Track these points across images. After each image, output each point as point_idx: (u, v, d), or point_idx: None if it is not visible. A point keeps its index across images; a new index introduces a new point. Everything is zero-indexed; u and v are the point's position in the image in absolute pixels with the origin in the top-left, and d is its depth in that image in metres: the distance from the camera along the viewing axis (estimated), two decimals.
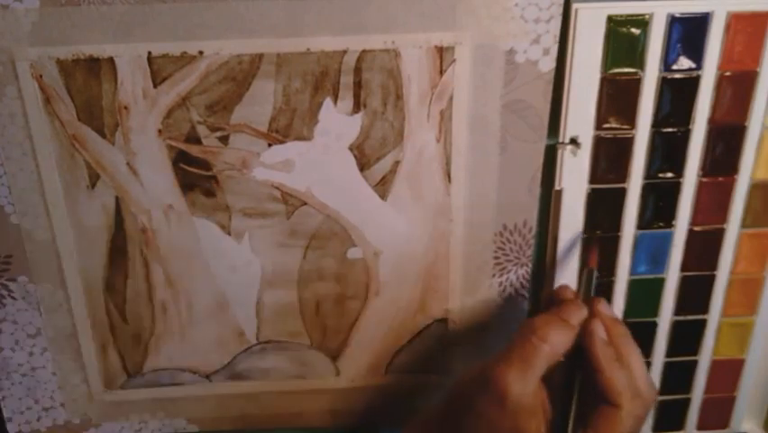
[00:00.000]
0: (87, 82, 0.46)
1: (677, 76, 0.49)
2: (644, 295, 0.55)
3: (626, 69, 0.48)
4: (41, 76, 0.46)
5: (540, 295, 0.55)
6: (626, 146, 0.50)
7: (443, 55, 0.47)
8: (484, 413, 0.42)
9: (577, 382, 0.44)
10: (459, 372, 0.57)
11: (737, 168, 0.51)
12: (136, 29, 0.45)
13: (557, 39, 0.47)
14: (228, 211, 0.51)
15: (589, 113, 0.49)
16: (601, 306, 0.46)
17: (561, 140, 0.50)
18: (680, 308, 0.55)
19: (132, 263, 0.52)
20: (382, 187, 0.51)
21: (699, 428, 0.59)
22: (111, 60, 0.46)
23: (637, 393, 0.43)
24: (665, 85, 0.49)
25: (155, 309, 0.54)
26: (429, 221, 0.52)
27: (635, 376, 0.43)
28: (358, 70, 0.47)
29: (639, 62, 0.48)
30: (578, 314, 0.45)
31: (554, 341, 0.43)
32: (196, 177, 0.50)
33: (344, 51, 0.47)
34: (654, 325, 0.56)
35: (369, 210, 0.51)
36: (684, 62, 0.48)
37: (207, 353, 0.55)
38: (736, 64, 0.48)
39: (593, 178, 0.51)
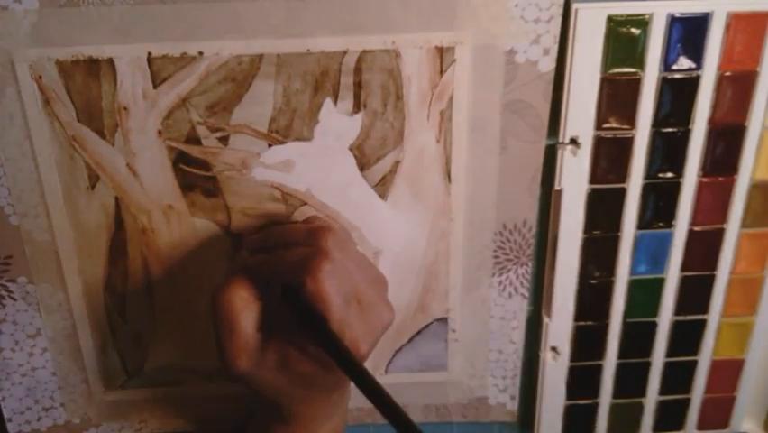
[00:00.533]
0: (87, 83, 0.46)
1: (677, 76, 0.48)
2: (644, 295, 0.55)
3: (626, 69, 0.48)
4: (40, 77, 0.46)
5: (541, 294, 0.56)
6: (626, 146, 0.50)
7: (443, 55, 0.47)
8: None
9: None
10: (458, 370, 0.57)
11: (737, 168, 0.51)
12: (136, 30, 0.45)
13: (557, 39, 0.47)
14: (228, 211, 0.51)
15: (589, 113, 0.49)
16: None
17: (561, 140, 0.50)
18: (680, 308, 0.55)
19: (132, 264, 0.52)
20: (382, 187, 0.51)
21: (699, 428, 0.60)
22: (110, 61, 0.46)
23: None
24: (665, 85, 0.49)
25: (155, 310, 0.54)
26: (429, 221, 0.52)
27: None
28: (358, 71, 0.47)
29: (639, 62, 0.48)
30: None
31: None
32: (196, 177, 0.50)
33: (344, 52, 0.47)
34: (654, 325, 0.56)
35: (369, 210, 0.51)
36: (684, 62, 0.48)
37: (207, 353, 0.55)
38: (735, 64, 0.48)
39: (593, 178, 0.51)
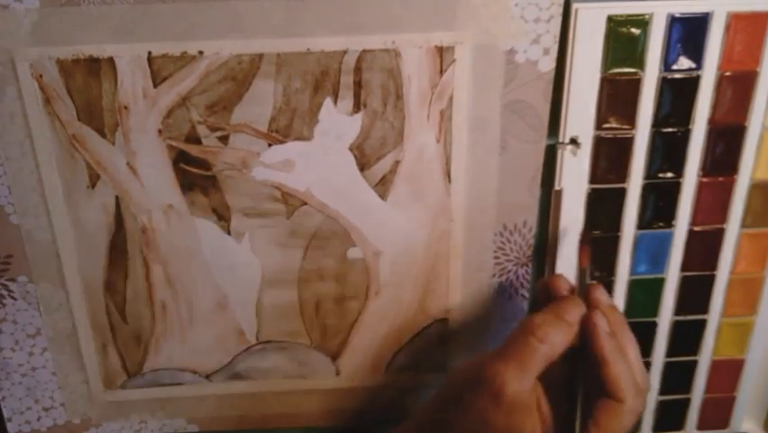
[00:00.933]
0: (87, 82, 0.46)
1: (677, 76, 0.49)
2: (644, 295, 0.55)
3: (626, 69, 0.48)
4: (41, 76, 0.46)
5: (535, 287, 0.56)
6: (626, 146, 0.50)
7: (443, 55, 0.47)
8: (479, 411, 0.41)
9: (581, 377, 0.43)
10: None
11: (737, 168, 0.51)
12: (136, 29, 0.45)
13: (557, 39, 0.47)
14: (228, 211, 0.51)
15: (589, 113, 0.49)
16: (599, 293, 0.45)
17: (561, 140, 0.50)
18: (680, 308, 0.55)
19: (132, 263, 0.52)
20: (382, 187, 0.51)
21: (699, 428, 0.59)
22: (111, 60, 0.46)
23: (638, 388, 0.42)
24: (665, 85, 0.49)
25: (155, 309, 0.54)
26: (429, 221, 0.52)
27: (635, 370, 0.43)
28: (358, 70, 0.47)
29: (639, 62, 0.48)
30: (576, 311, 0.44)
31: (554, 341, 0.42)
32: (196, 177, 0.50)
33: (344, 51, 0.47)
34: (654, 325, 0.56)
35: (369, 210, 0.51)
36: (684, 62, 0.48)
37: (207, 353, 0.55)
38: (735, 64, 0.48)
39: (593, 178, 0.51)
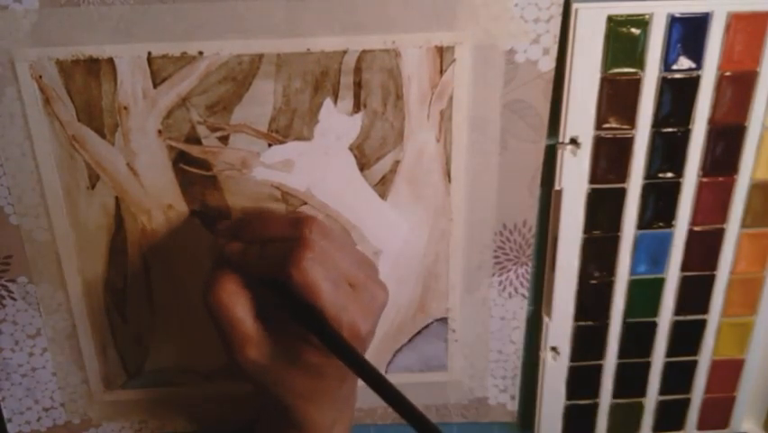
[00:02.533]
0: (87, 83, 0.46)
1: (677, 76, 0.49)
2: (644, 295, 0.55)
3: (626, 69, 0.48)
4: (40, 76, 0.46)
5: (541, 294, 0.56)
6: (626, 146, 0.50)
7: (442, 55, 0.47)
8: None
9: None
10: (458, 370, 0.57)
11: (737, 168, 0.51)
12: (136, 29, 0.45)
13: (557, 39, 0.47)
14: (228, 211, 0.51)
15: (589, 113, 0.49)
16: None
17: (561, 140, 0.50)
18: (680, 308, 0.55)
19: (132, 263, 0.52)
20: (382, 187, 0.51)
21: (699, 428, 0.60)
22: (111, 61, 0.46)
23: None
24: (665, 85, 0.49)
25: (155, 310, 0.54)
26: (429, 221, 0.52)
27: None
28: (358, 70, 0.47)
29: (639, 62, 0.48)
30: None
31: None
32: (196, 177, 0.50)
33: (344, 52, 0.47)
34: (654, 325, 0.56)
35: (369, 210, 0.51)
36: (684, 62, 0.48)
37: (207, 353, 0.55)
38: (735, 64, 0.48)
39: (593, 178, 0.51)
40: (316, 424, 0.46)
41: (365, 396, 0.57)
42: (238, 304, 0.43)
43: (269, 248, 0.42)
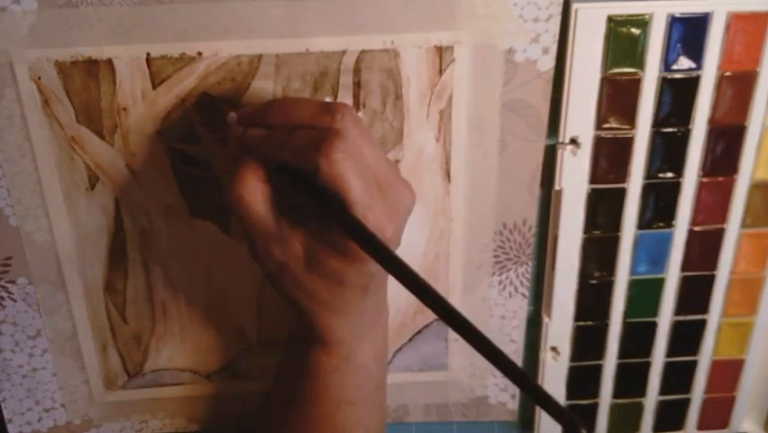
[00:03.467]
0: (86, 84, 0.46)
1: (677, 76, 0.48)
2: (644, 295, 0.55)
3: (626, 69, 0.48)
4: (39, 78, 0.46)
5: (541, 294, 0.56)
6: (626, 146, 0.50)
7: (442, 55, 0.47)
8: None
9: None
10: (459, 370, 0.57)
11: (737, 168, 0.51)
12: (134, 30, 0.45)
13: (556, 38, 0.47)
14: (228, 211, 0.51)
15: (589, 113, 0.49)
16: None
17: (561, 140, 0.50)
18: (680, 308, 0.55)
19: (132, 264, 0.52)
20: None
21: (699, 428, 0.60)
22: (109, 62, 0.46)
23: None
24: (665, 85, 0.49)
25: (155, 310, 0.54)
26: (429, 220, 0.52)
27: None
28: (357, 70, 0.47)
29: (639, 62, 0.48)
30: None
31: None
32: (195, 177, 0.50)
33: (343, 52, 0.47)
34: (654, 325, 0.56)
35: None
36: (684, 62, 0.48)
37: (207, 353, 0.55)
38: (735, 64, 0.48)
39: (593, 178, 0.51)
40: (342, 338, 0.44)
41: None
42: (260, 200, 0.40)
43: (297, 134, 0.39)
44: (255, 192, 0.40)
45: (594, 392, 0.58)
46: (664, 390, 0.58)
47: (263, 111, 0.41)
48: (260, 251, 0.41)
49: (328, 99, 0.47)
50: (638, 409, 0.59)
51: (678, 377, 0.57)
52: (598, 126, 0.50)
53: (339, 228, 0.38)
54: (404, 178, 0.42)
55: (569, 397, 0.58)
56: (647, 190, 0.51)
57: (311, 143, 0.38)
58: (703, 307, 0.55)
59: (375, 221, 0.38)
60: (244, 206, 0.40)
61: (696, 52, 0.48)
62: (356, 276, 0.41)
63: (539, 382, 0.57)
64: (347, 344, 0.44)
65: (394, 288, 0.53)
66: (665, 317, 0.55)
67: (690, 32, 0.47)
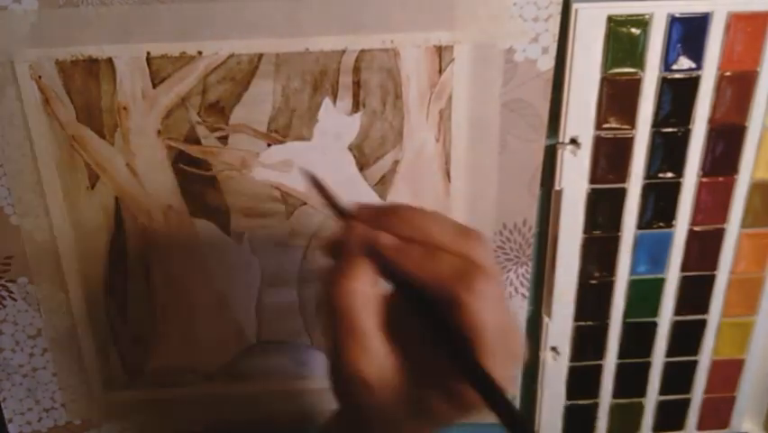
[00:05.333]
0: (86, 83, 0.46)
1: (677, 76, 0.48)
2: (644, 295, 0.55)
3: (626, 69, 0.48)
4: (40, 77, 0.46)
5: (541, 294, 0.55)
6: (626, 146, 0.50)
7: (441, 54, 0.47)
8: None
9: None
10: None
11: (737, 168, 0.51)
12: (135, 29, 0.45)
13: (556, 38, 0.47)
14: (228, 211, 0.51)
15: (589, 113, 0.49)
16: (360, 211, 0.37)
17: (561, 140, 0.50)
18: (680, 308, 0.55)
19: (132, 264, 0.52)
20: (382, 186, 0.51)
21: (699, 428, 0.59)
22: (110, 61, 0.46)
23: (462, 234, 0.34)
24: (665, 85, 0.49)
25: (155, 310, 0.54)
26: None
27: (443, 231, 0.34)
28: (357, 70, 0.47)
29: (639, 62, 0.48)
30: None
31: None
32: (195, 177, 0.50)
33: (343, 51, 0.47)
34: (654, 325, 0.56)
35: None
36: (684, 62, 0.48)
37: (207, 353, 0.55)
38: (735, 64, 0.48)
39: (593, 178, 0.51)
40: None
41: None
42: (365, 309, 0.34)
43: (442, 257, 0.34)
44: (363, 299, 0.34)
45: (594, 392, 0.58)
46: (664, 390, 0.58)
47: (392, 218, 0.35)
48: (348, 363, 0.34)
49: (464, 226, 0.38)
50: (638, 409, 0.59)
51: (678, 377, 0.57)
52: (598, 126, 0.50)
53: (462, 372, 0.33)
54: (516, 321, 0.37)
55: (569, 397, 0.58)
56: (647, 190, 0.51)
57: (456, 272, 0.33)
58: (703, 307, 0.55)
59: (494, 370, 0.33)
60: (347, 310, 0.34)
61: (696, 52, 0.48)
62: (447, 417, 0.35)
63: (539, 383, 0.57)
64: None
65: None
66: (665, 317, 0.55)
67: (690, 32, 0.47)
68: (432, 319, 0.34)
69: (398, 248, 0.34)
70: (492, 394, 0.32)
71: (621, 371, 0.57)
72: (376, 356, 0.34)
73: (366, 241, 0.35)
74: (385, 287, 0.35)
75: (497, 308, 0.33)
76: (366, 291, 0.34)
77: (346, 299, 0.34)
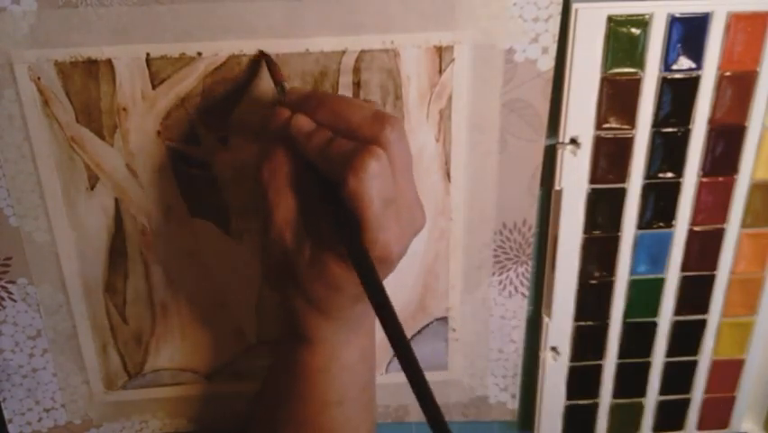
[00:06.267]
0: (86, 84, 0.46)
1: (677, 76, 0.48)
2: (644, 295, 0.55)
3: (626, 69, 0.48)
4: (38, 78, 0.46)
5: (541, 294, 0.56)
6: (626, 146, 0.50)
7: (441, 55, 0.47)
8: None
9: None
10: (459, 369, 0.57)
11: (737, 168, 0.51)
12: (134, 30, 0.45)
13: (556, 38, 0.47)
14: (228, 211, 0.51)
15: (589, 113, 0.49)
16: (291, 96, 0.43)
17: (561, 140, 0.50)
18: (680, 308, 0.55)
19: (132, 264, 0.52)
20: None
21: (699, 428, 0.60)
22: (109, 62, 0.46)
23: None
24: (665, 85, 0.49)
25: (155, 310, 0.54)
26: (429, 220, 0.52)
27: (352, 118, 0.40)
28: (357, 70, 0.47)
29: (639, 62, 0.48)
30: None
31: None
32: (195, 177, 0.50)
33: (343, 52, 0.47)
34: (654, 325, 0.56)
35: None
36: (684, 62, 0.48)
37: (207, 353, 0.55)
38: (735, 64, 0.48)
39: (593, 178, 0.51)
40: (326, 340, 0.44)
41: None
42: (286, 187, 0.41)
43: (337, 143, 0.39)
44: (284, 176, 0.41)
45: (594, 392, 0.58)
46: (664, 390, 0.58)
47: (315, 101, 0.41)
48: (275, 232, 0.41)
49: (375, 102, 0.46)
50: (638, 409, 0.59)
51: (678, 377, 0.58)
52: (598, 126, 0.50)
53: (345, 245, 0.39)
54: (420, 200, 0.43)
55: (569, 397, 0.58)
56: (647, 190, 0.52)
57: (346, 156, 0.38)
58: (703, 307, 0.55)
59: (384, 241, 0.39)
60: (273, 183, 0.41)
61: (696, 52, 0.48)
62: (354, 287, 0.41)
63: (539, 382, 0.57)
64: (332, 344, 0.45)
65: (394, 287, 0.53)
66: (665, 317, 0.55)
67: (690, 32, 0.47)
68: (329, 196, 0.39)
69: (308, 133, 0.40)
70: (368, 277, 0.38)
71: (621, 371, 0.57)
72: (294, 225, 0.41)
73: (284, 125, 0.41)
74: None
75: (384, 187, 0.38)
76: (283, 169, 0.41)
77: (268, 178, 0.41)
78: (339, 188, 0.38)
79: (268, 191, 0.41)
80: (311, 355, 0.45)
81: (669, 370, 0.57)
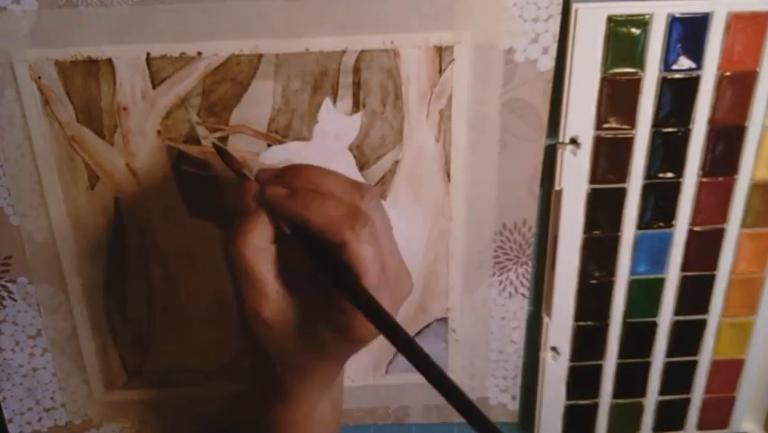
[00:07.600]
0: (86, 83, 0.46)
1: (677, 76, 0.48)
2: (644, 295, 0.55)
3: (626, 69, 0.48)
4: (39, 77, 0.46)
5: (541, 294, 0.56)
6: (626, 146, 0.50)
7: (441, 55, 0.47)
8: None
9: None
10: (459, 370, 0.57)
11: (737, 168, 0.51)
12: (134, 30, 0.45)
13: (556, 38, 0.47)
14: (228, 211, 0.51)
15: (589, 113, 0.49)
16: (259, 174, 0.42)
17: (561, 140, 0.50)
18: (680, 308, 0.55)
19: (132, 264, 0.52)
20: (382, 186, 0.51)
21: (699, 428, 0.59)
22: (109, 62, 0.46)
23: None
24: (665, 85, 0.49)
25: (155, 310, 0.54)
26: (429, 220, 0.52)
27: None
28: (357, 70, 0.47)
29: (639, 62, 0.48)
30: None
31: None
32: (195, 177, 0.50)
33: (343, 51, 0.47)
34: (654, 325, 0.56)
35: None
36: (684, 62, 0.48)
37: (207, 353, 0.55)
38: (736, 64, 0.48)
39: (593, 178, 0.51)
40: (303, 399, 0.44)
41: (365, 396, 0.57)
42: (262, 260, 0.39)
43: (330, 203, 0.38)
44: (259, 252, 0.39)
45: (594, 392, 0.58)
46: (664, 390, 0.58)
47: (288, 174, 0.40)
48: (250, 309, 0.40)
49: (361, 181, 0.45)
50: (638, 409, 0.59)
51: (678, 377, 0.57)
52: (598, 126, 0.50)
53: (353, 303, 0.38)
54: (405, 265, 0.42)
55: (569, 397, 0.58)
56: (647, 190, 0.51)
57: (342, 217, 0.38)
58: (703, 307, 0.55)
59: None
60: (245, 264, 0.39)
61: (696, 52, 0.48)
62: (344, 351, 0.42)
63: (539, 383, 0.57)
64: (309, 401, 0.45)
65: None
66: (665, 317, 0.55)
67: (690, 32, 0.47)
68: (322, 258, 0.38)
69: (288, 195, 0.39)
70: (379, 317, 0.37)
71: (621, 371, 0.57)
72: (273, 300, 0.40)
73: (258, 196, 0.40)
74: (280, 234, 0.40)
75: (379, 252, 0.38)
76: (260, 243, 0.39)
77: (243, 253, 0.39)
78: (336, 250, 0.38)
79: (242, 268, 0.39)
80: (288, 412, 0.45)
81: (669, 370, 0.57)
